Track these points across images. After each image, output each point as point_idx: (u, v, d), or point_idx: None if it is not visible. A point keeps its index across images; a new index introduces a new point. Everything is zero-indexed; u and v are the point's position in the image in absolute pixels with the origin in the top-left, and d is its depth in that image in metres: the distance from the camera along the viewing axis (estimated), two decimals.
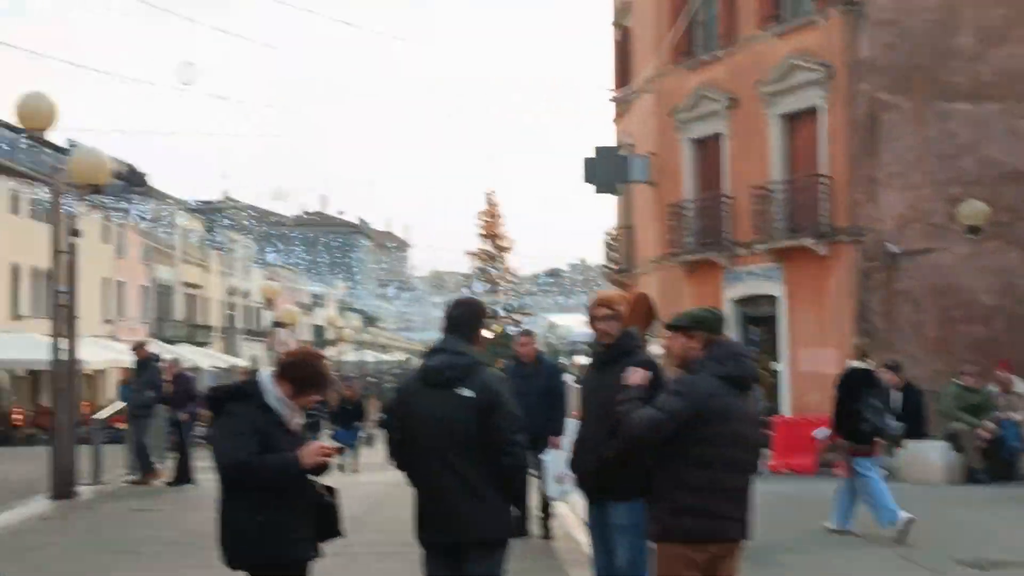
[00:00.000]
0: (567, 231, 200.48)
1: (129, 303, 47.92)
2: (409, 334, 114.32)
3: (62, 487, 13.23)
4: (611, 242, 26.73)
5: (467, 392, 5.04)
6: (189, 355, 38.87)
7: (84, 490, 13.83)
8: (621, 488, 5.55)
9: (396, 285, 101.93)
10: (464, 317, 5.36)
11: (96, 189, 13.96)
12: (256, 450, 4.83)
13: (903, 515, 9.48)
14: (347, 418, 20.92)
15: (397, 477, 5.61)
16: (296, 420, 5.14)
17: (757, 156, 20.49)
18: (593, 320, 5.95)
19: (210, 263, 59.17)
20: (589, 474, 5.76)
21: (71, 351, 13.55)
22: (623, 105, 26.10)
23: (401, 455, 5.28)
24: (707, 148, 22.11)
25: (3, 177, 37.28)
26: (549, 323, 74.01)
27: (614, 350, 5.80)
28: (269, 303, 28.92)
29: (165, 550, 9.95)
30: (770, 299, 20.46)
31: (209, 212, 60.36)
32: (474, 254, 65.31)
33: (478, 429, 5.02)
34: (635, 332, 6.03)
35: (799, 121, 20.11)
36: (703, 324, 5.22)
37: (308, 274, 78.29)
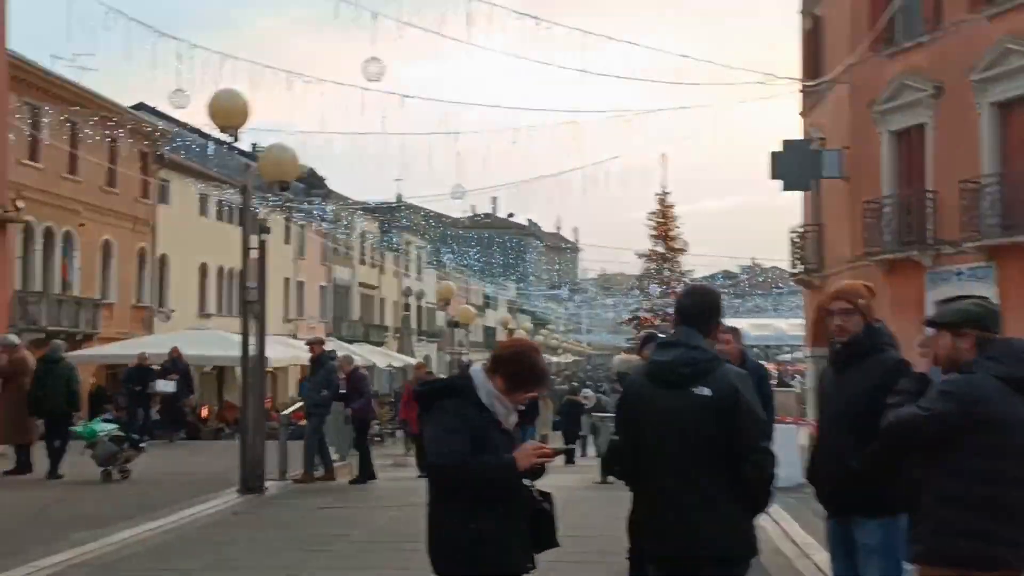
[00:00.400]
0: (742, 232, 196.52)
1: (309, 303, 49.23)
2: (578, 336, 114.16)
3: (251, 482, 13.29)
4: (797, 241, 25.52)
5: (704, 391, 4.45)
6: (366, 354, 39.52)
7: (271, 485, 13.87)
8: (871, 503, 4.89)
9: (567, 287, 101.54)
10: (697, 307, 4.77)
11: (284, 186, 14.00)
12: (470, 450, 4.38)
13: None
14: (521, 418, 20.54)
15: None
16: (512, 418, 4.69)
17: (966, 148, 19.07)
18: (828, 315, 5.29)
19: (385, 264, 60.31)
20: (832, 487, 5.11)
21: (260, 347, 13.60)
22: (812, 97, 24.90)
23: (625, 462, 4.74)
24: (909, 140, 20.76)
25: (193, 180, 38.79)
26: (723, 326, 71.98)
27: (854, 348, 5.13)
28: (445, 303, 28.91)
29: (354, 549, 9.74)
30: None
31: (385, 213, 61.42)
32: (645, 256, 64.53)
33: (717, 433, 4.42)
34: (883, 328, 5.32)
35: (1013, 109, 18.60)
36: (974, 320, 4.47)
37: (481, 276, 78.81)
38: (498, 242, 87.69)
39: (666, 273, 64.09)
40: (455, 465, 4.33)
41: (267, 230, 13.93)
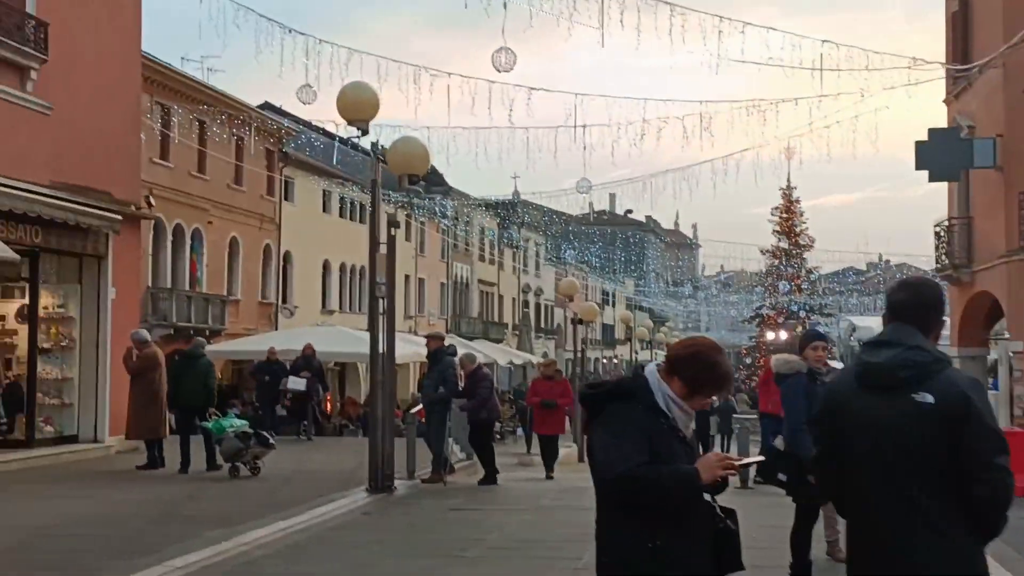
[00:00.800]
0: (869, 227, 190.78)
1: (429, 299, 49.33)
2: (695, 334, 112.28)
3: (380, 481, 12.99)
4: (943, 235, 24.20)
5: (927, 398, 3.81)
6: (487, 351, 39.31)
7: (400, 485, 13.56)
8: None
9: (688, 284, 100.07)
10: (914, 302, 4.10)
11: (414, 180, 13.65)
12: (647, 460, 3.84)
13: None
14: None
15: None
16: (691, 426, 4.14)
17: None
18: None
19: (504, 261, 60.14)
20: None
21: (390, 344, 13.29)
22: (959, 84, 23.57)
23: (829, 478, 4.13)
24: None
25: (316, 177, 39.13)
26: (850, 325, 70.10)
27: None
28: (568, 299, 28.42)
29: (490, 555, 9.29)
30: None
31: (503, 210, 61.25)
32: (769, 252, 62.81)
33: (941, 446, 3.78)
34: None
35: None
36: None
37: (599, 272, 78.03)
38: (621, 237, 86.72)
39: (790, 270, 62.47)
40: (630, 476, 3.80)
41: (397, 225, 13.61)
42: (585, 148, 21.29)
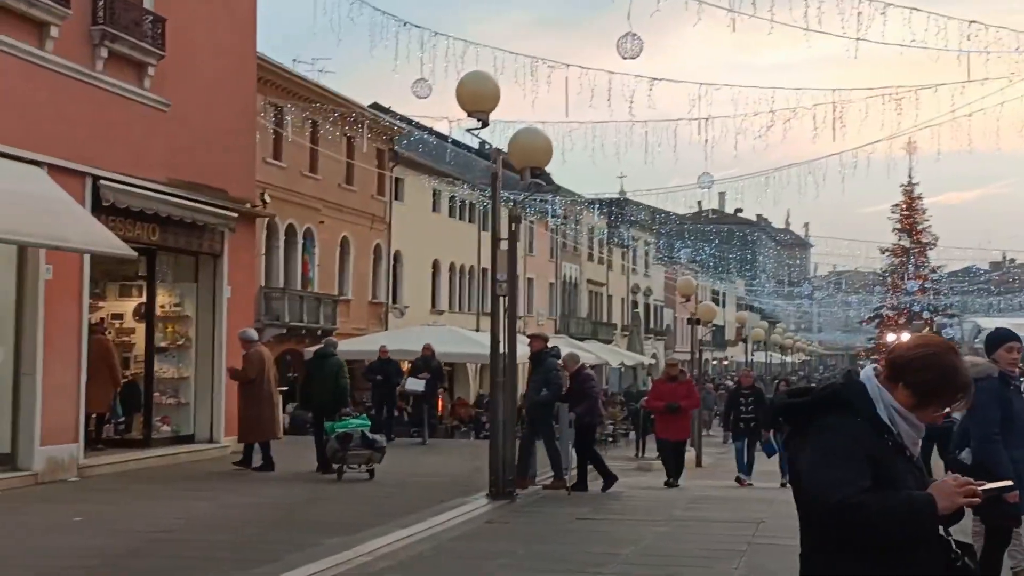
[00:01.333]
0: (990, 225, 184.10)
1: (538, 299, 48.83)
2: (808, 335, 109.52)
3: (502, 487, 12.45)
4: None
5: None
6: (597, 352, 38.62)
7: (520, 491, 12.99)
8: None
9: (802, 283, 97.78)
10: None
11: (537, 172, 13.08)
12: (869, 485, 3.16)
13: None
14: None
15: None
16: (919, 443, 3.44)
17: None
18: None
19: (613, 260, 59.31)
20: None
21: (512, 344, 12.73)
22: None
23: None
24: None
25: (427, 176, 38.97)
26: (975, 326, 67.52)
27: None
28: (686, 299, 27.53)
29: (629, 572, 8.63)
30: None
31: (611, 208, 60.37)
32: (889, 251, 60.61)
33: None
34: None
35: None
36: None
37: (711, 272, 76.58)
38: (738, 235, 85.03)
39: (911, 269, 60.20)
40: (851, 504, 3.12)
41: (518, 219, 13.08)
42: (707, 142, 20.48)
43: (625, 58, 14.06)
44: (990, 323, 63.06)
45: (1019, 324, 54.22)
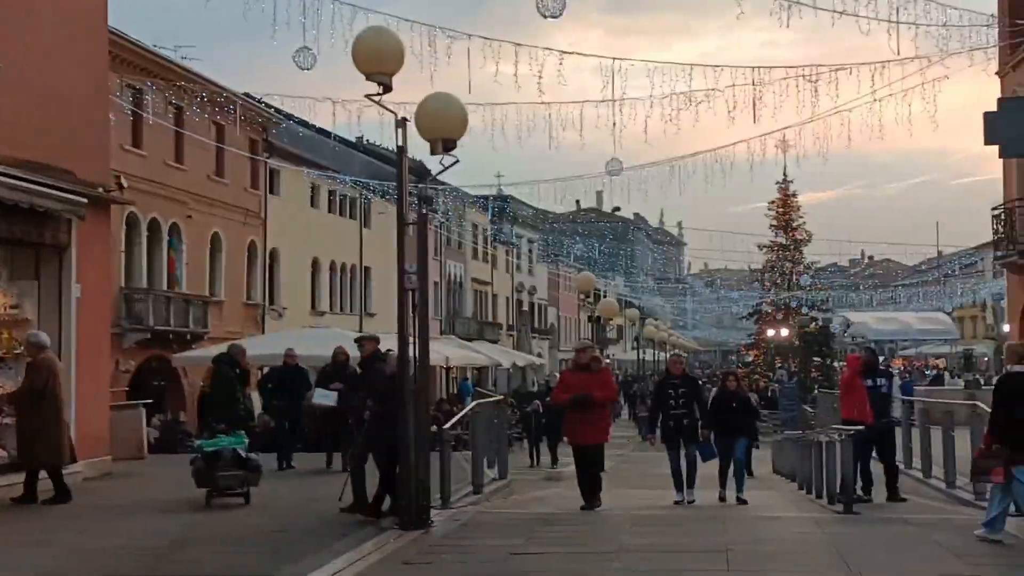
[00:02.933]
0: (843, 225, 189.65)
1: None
2: (683, 332, 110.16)
3: (414, 514, 10.45)
4: (1003, 218, 21.79)
5: None
6: (489, 353, 36.81)
7: (436, 518, 11.03)
8: None
9: (679, 281, 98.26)
10: None
11: (450, 146, 11.06)
12: None
13: None
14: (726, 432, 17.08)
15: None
16: None
17: None
18: None
19: (498, 258, 57.63)
20: None
21: (423, 347, 10.73)
22: (1019, 52, 21.19)
23: None
24: None
25: (304, 168, 36.51)
26: (844, 320, 68.45)
27: None
28: (585, 296, 25.85)
29: None
30: None
31: (493, 206, 58.67)
32: (767, 247, 60.70)
33: None
34: None
35: None
36: None
37: (592, 270, 75.78)
38: (616, 232, 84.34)
39: (787, 265, 60.41)
40: None
41: (429, 200, 11.11)
42: (615, 126, 18.82)
43: (546, 16, 12.20)
44: (858, 317, 63.60)
45: (884, 317, 54.46)
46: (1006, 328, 65.13)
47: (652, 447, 15.99)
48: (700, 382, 18.06)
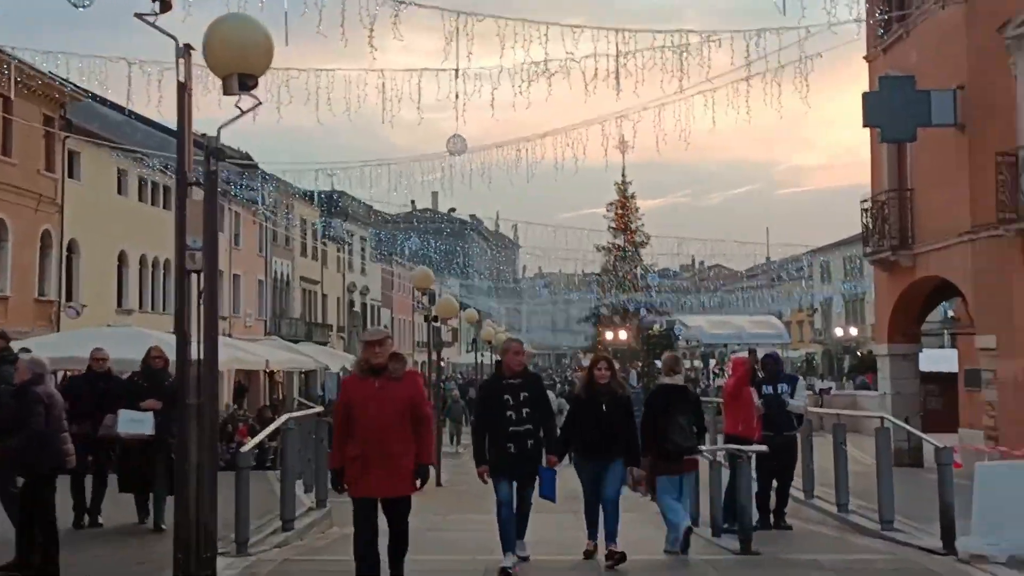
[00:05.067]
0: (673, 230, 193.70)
1: (246, 298, 43.38)
2: (516, 334, 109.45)
3: (194, 567, 7.83)
4: (875, 212, 20.40)
5: None
6: (316, 355, 33.95)
7: (226, 572, 8.44)
8: None
9: (516, 282, 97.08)
10: None
11: (249, 84, 8.49)
12: None
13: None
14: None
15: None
16: None
17: None
18: None
19: (328, 257, 54.58)
20: None
21: (209, 346, 8.11)
22: (892, 33, 19.97)
23: None
24: None
25: (109, 151, 32.80)
26: (679, 323, 68.56)
27: None
28: (423, 293, 23.36)
29: None
30: None
31: (324, 202, 55.61)
32: (605, 249, 59.88)
33: None
34: None
35: None
36: None
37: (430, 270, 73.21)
38: (450, 232, 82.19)
39: (625, 269, 59.70)
40: None
41: (219, 153, 8.47)
42: (458, 97, 16.51)
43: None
44: (693, 321, 63.67)
45: (717, 321, 53.69)
46: (838, 332, 66.44)
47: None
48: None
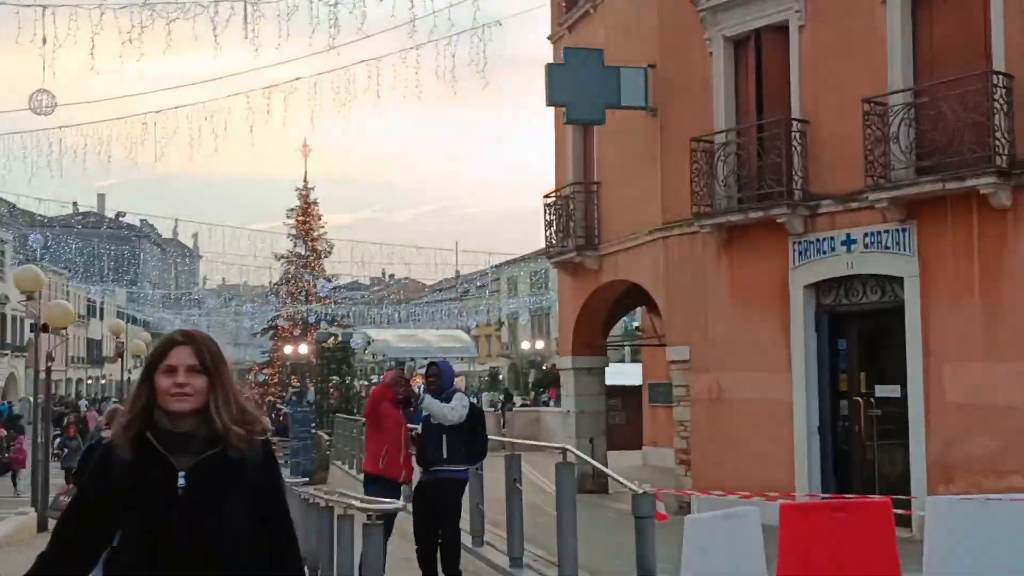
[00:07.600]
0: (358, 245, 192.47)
1: None
2: None
3: None
4: (559, 209, 18.11)
5: None
6: None
7: None
8: None
9: (191, 294, 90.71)
10: None
11: None
12: None
13: None
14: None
15: None
16: None
17: (861, 54, 12.75)
18: None
19: None
20: None
21: None
22: (579, 8, 17.90)
23: None
24: (759, 49, 14.20)
25: None
26: (365, 336, 65.79)
27: None
28: (28, 297, 18.69)
29: None
30: (888, 283, 12.68)
31: None
32: (284, 258, 56.45)
33: None
34: None
35: None
36: None
37: (84, 279, 66.44)
38: (105, 241, 74.89)
39: (306, 279, 56.31)
40: None
41: None
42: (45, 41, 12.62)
43: None
44: (380, 334, 61.14)
45: (404, 335, 51.16)
46: (524, 345, 65.98)
47: None
48: None
